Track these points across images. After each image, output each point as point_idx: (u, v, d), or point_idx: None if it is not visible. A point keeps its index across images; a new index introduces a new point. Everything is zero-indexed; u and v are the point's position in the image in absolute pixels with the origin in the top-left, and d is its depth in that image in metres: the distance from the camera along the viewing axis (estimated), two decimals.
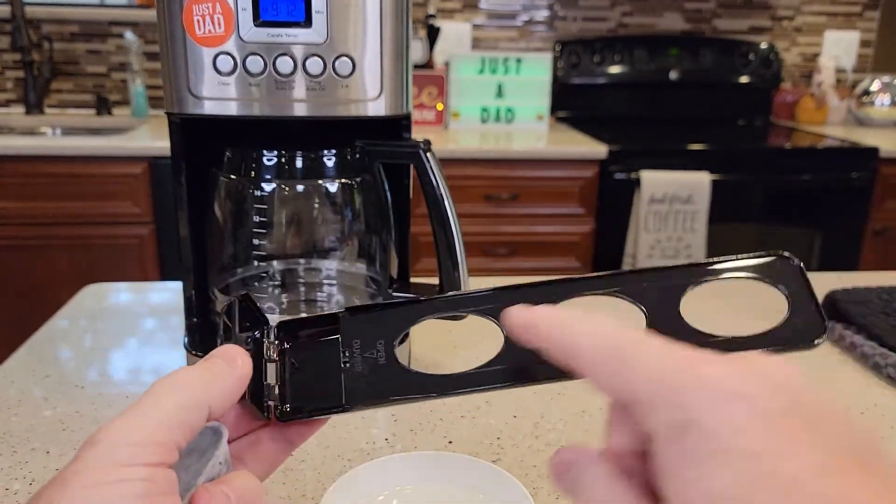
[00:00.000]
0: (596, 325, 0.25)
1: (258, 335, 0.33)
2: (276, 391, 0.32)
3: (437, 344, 0.77)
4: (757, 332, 0.30)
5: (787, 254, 0.31)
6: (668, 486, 0.21)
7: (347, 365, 0.32)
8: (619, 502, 0.23)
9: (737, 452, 0.20)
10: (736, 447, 0.20)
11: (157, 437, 0.26)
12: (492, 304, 0.32)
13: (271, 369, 0.32)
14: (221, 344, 0.32)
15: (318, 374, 0.32)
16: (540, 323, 0.26)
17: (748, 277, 0.31)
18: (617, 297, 0.31)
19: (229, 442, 0.30)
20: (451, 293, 0.33)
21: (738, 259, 0.31)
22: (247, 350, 0.31)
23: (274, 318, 0.33)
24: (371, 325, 0.32)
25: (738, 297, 0.93)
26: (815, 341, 0.29)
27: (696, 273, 0.31)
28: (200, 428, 0.28)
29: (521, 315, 0.27)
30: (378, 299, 0.68)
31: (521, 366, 0.31)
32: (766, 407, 0.21)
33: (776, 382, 0.21)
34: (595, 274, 0.32)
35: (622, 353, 0.23)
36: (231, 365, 0.30)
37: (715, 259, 0.31)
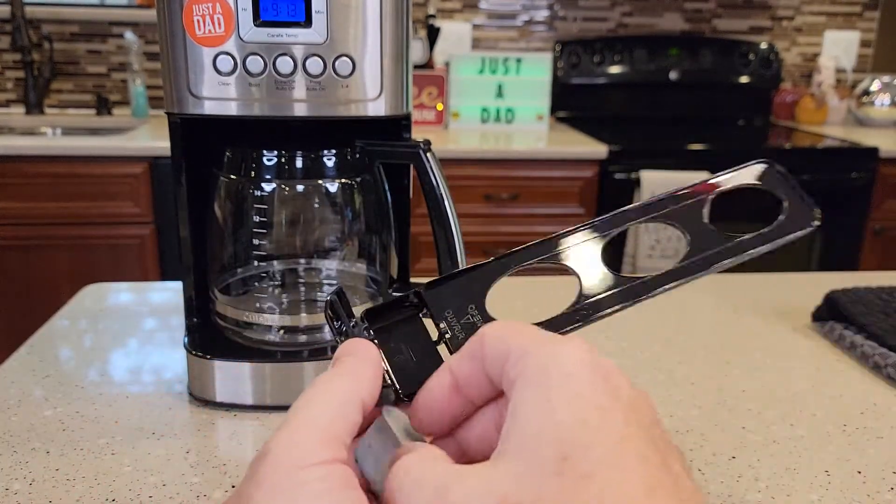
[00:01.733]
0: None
1: (345, 331, 0.33)
2: (390, 377, 0.33)
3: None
4: (765, 230, 0.34)
5: (765, 160, 0.36)
6: (518, 417, 0.24)
7: (448, 335, 0.33)
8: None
9: (584, 405, 0.23)
10: (585, 399, 0.24)
11: (324, 435, 0.26)
12: (558, 249, 0.35)
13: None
14: (340, 342, 0.32)
15: (416, 353, 0.33)
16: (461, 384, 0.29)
17: (748, 186, 0.36)
18: (658, 222, 0.36)
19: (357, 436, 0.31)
20: (519, 248, 0.36)
21: (731, 172, 0.36)
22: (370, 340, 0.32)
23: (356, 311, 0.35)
24: (455, 294, 0.34)
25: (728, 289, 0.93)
26: (813, 223, 0.33)
27: (706, 190, 0.36)
28: (359, 422, 0.28)
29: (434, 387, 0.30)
30: (378, 299, 0.68)
31: (628, 289, 0.34)
32: (598, 375, 0.25)
33: (608, 367, 0.26)
34: (629, 206, 0.36)
35: (509, 327, 0.28)
36: (361, 357, 0.30)
37: (712, 176, 0.36)
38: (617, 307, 0.34)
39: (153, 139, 1.96)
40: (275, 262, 0.69)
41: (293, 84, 0.57)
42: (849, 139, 2.27)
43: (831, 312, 0.81)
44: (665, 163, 2.06)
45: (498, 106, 2.31)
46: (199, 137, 0.63)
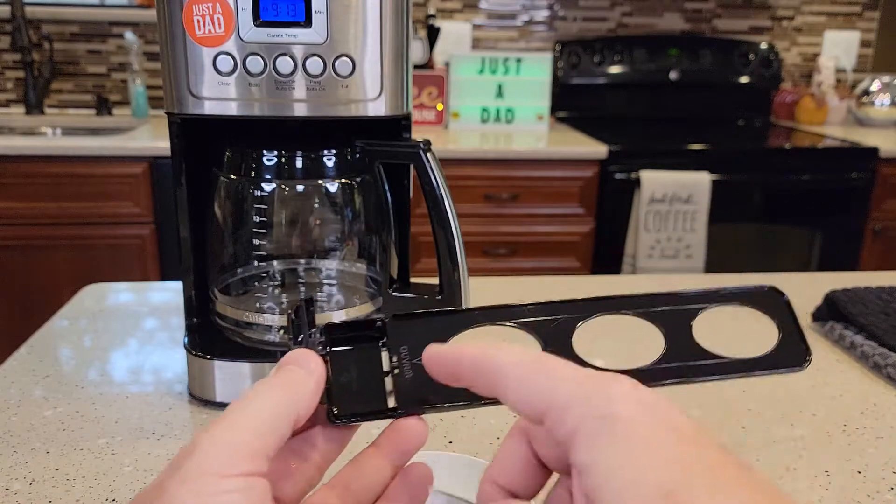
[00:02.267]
0: (514, 352, 0.28)
1: (301, 339, 0.33)
2: (328, 394, 0.32)
3: None
4: (756, 355, 0.33)
5: (775, 287, 0.34)
6: (597, 477, 0.24)
7: (396, 371, 0.33)
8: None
9: (663, 444, 0.24)
10: (660, 439, 0.24)
11: (252, 446, 0.27)
12: (533, 318, 0.33)
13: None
14: (293, 347, 0.32)
15: (362, 378, 0.33)
16: (464, 358, 0.29)
17: (746, 305, 0.34)
18: (640, 318, 0.34)
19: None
20: (495, 305, 0.34)
21: (736, 289, 0.34)
22: (321, 355, 0.31)
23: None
24: (417, 333, 0.33)
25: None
26: (803, 365, 0.32)
27: (703, 299, 0.34)
28: (287, 436, 0.28)
29: (447, 352, 0.30)
30: (378, 300, 0.68)
31: None
32: (671, 419, 0.25)
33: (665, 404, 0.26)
34: (625, 294, 0.34)
35: (544, 366, 0.27)
36: (307, 370, 0.30)
37: (716, 288, 0.34)
38: None
39: (153, 139, 1.96)
40: (275, 263, 0.69)
41: (293, 84, 0.57)
42: (849, 139, 2.27)
43: (831, 312, 0.81)
44: (665, 163, 2.06)
45: (498, 106, 2.31)
46: (199, 137, 0.63)
